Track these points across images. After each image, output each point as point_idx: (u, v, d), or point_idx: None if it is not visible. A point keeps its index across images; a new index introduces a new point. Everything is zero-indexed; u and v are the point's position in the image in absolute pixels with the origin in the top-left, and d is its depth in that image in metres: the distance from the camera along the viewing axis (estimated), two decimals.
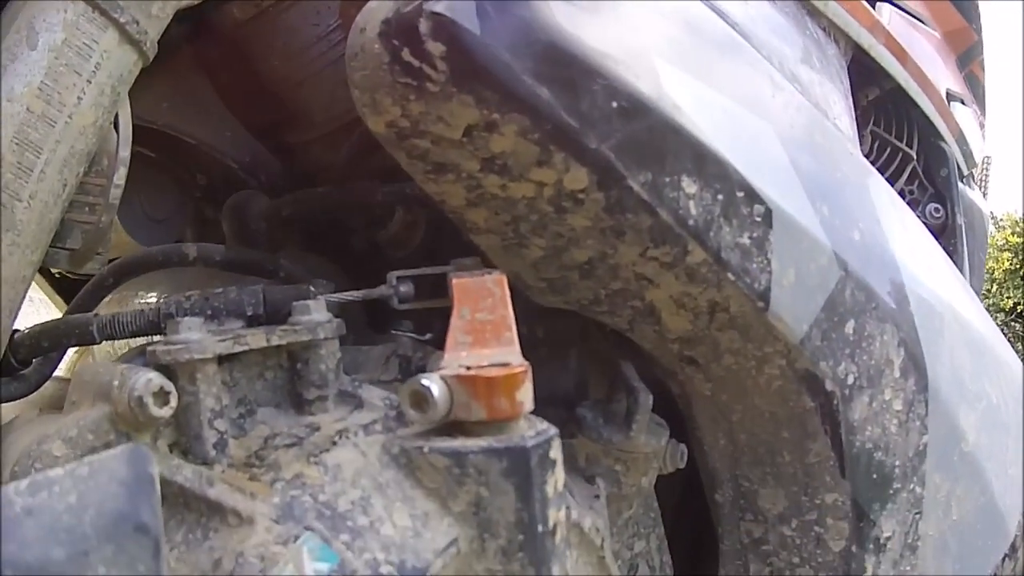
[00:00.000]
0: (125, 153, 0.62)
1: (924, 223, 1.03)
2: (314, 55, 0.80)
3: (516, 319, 0.63)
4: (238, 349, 0.55)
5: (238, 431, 0.57)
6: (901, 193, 1.05)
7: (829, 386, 0.70)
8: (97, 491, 0.40)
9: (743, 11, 0.79)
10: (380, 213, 0.82)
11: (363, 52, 0.61)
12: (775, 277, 0.67)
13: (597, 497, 0.69)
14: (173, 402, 0.53)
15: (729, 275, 0.65)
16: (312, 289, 0.65)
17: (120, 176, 0.61)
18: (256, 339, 0.56)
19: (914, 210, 1.04)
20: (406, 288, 0.66)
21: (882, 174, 1.03)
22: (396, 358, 0.67)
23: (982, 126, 1.18)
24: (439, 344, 0.61)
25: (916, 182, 1.06)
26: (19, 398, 0.70)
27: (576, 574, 0.64)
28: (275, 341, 0.57)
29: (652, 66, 0.64)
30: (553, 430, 0.55)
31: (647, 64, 0.64)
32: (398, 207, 0.80)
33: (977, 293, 1.08)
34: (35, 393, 0.71)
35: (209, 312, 0.63)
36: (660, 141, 0.63)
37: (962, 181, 1.10)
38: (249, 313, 0.63)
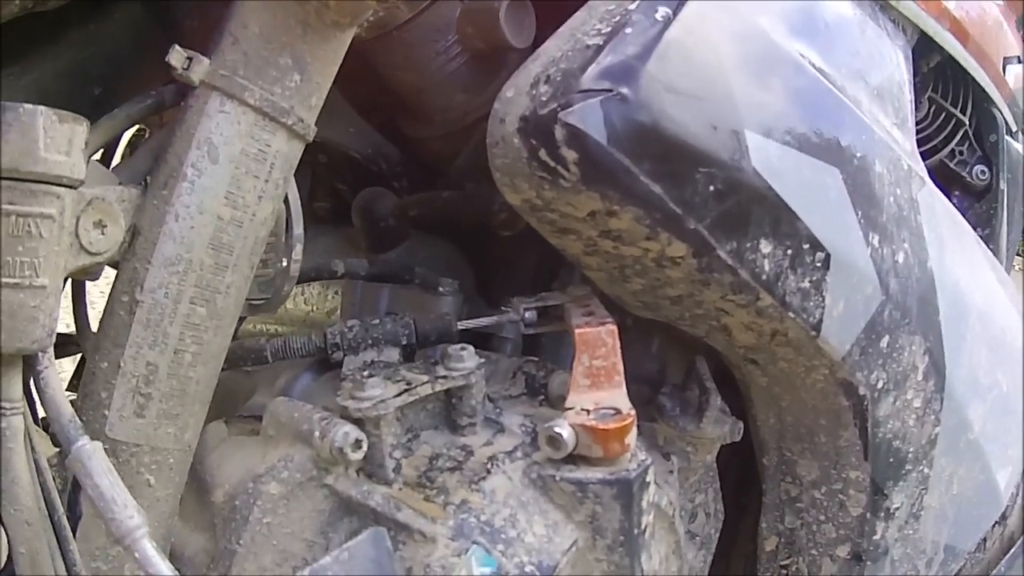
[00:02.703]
0: (299, 230, 0.81)
1: (970, 183, 1.24)
2: (433, 68, 0.97)
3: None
4: (411, 399, 0.79)
5: (407, 452, 0.82)
6: (952, 154, 1.24)
7: (862, 391, 0.94)
8: (361, 570, 0.65)
9: (825, 39, 0.95)
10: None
11: (504, 143, 0.80)
12: (827, 310, 0.89)
13: (671, 472, 0.95)
14: (365, 447, 0.77)
15: (790, 314, 0.87)
16: (450, 317, 0.87)
17: (298, 252, 0.81)
18: (424, 388, 0.80)
19: (962, 171, 1.24)
20: (530, 315, 0.89)
21: (936, 137, 1.23)
22: (522, 374, 0.90)
23: None
24: None
25: (966, 144, 1.24)
26: None
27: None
28: (438, 387, 0.80)
29: (743, 142, 0.82)
30: (648, 460, 0.80)
31: (739, 142, 0.82)
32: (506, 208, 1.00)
33: (1013, 245, 1.30)
34: None
35: (370, 341, 0.86)
36: (746, 213, 0.82)
37: (1010, 135, 1.28)
38: (403, 343, 0.87)
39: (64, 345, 1.04)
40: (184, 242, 0.75)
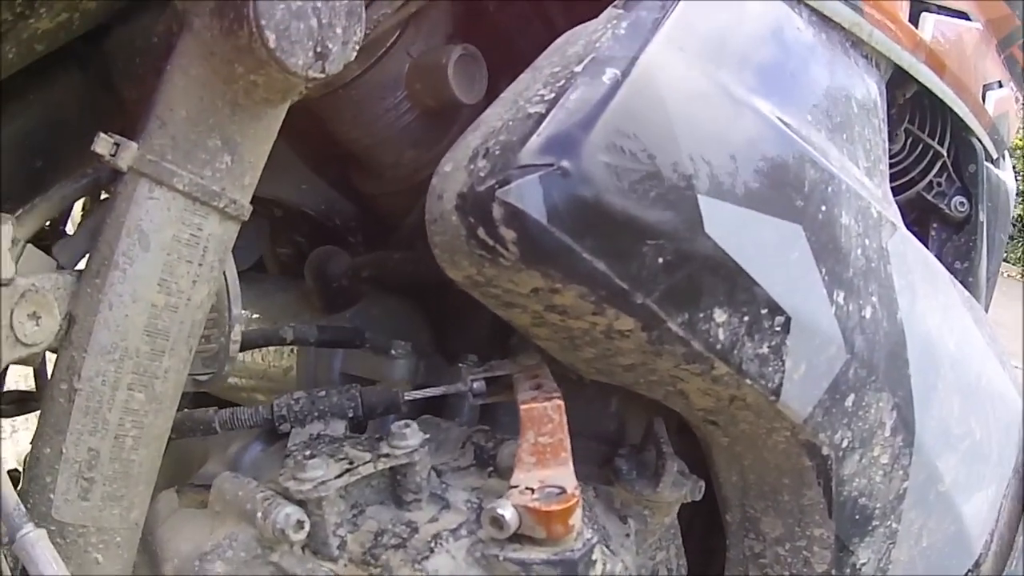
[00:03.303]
0: (237, 311, 0.80)
1: (948, 215, 1.21)
2: (383, 124, 0.95)
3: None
4: (353, 479, 0.78)
5: (352, 527, 0.81)
6: (929, 186, 1.21)
7: (825, 451, 0.92)
8: None
9: (790, 88, 0.92)
10: None
11: (442, 220, 0.78)
12: (787, 374, 0.87)
13: (628, 535, 0.94)
14: (307, 527, 0.77)
15: (748, 381, 0.86)
16: (397, 389, 0.87)
17: (236, 333, 0.80)
18: (366, 468, 0.79)
19: (940, 203, 1.21)
20: (479, 385, 0.88)
21: (913, 169, 1.20)
22: (471, 445, 0.89)
23: (1018, 100, 1.30)
24: None
25: (945, 175, 1.22)
26: None
27: None
28: (381, 466, 0.80)
29: (696, 209, 0.80)
30: (595, 539, 0.79)
31: (692, 209, 0.80)
32: None
33: (993, 275, 1.27)
34: None
35: (316, 414, 0.85)
36: (699, 282, 0.80)
37: (991, 162, 1.25)
38: (350, 415, 0.86)
39: (25, 402, 1.04)
40: (119, 330, 0.75)
